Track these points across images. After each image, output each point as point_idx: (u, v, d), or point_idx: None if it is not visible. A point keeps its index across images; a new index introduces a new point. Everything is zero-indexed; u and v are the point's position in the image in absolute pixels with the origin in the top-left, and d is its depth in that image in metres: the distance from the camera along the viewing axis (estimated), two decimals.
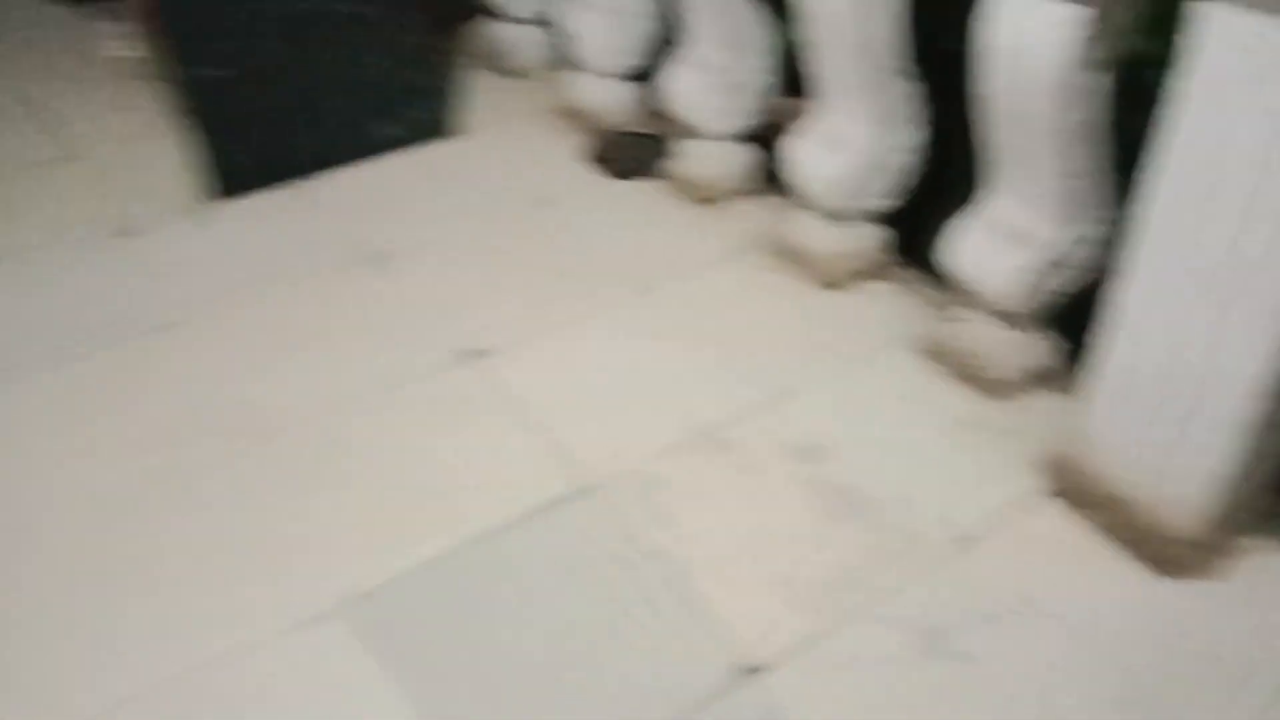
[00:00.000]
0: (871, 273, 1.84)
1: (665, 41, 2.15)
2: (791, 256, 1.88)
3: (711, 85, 1.97)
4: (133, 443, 1.52)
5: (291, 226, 2.02)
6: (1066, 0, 1.27)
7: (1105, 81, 1.34)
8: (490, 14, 2.52)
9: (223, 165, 2.05)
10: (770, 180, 2.03)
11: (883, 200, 1.78)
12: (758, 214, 2.03)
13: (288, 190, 2.12)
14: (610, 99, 2.28)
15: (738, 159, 2.06)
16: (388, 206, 2.08)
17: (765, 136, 1.99)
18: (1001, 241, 1.51)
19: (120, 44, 2.37)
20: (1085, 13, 1.27)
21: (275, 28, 1.98)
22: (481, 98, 2.41)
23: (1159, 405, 1.28)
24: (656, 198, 2.11)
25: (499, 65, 2.54)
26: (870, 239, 1.83)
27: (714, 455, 1.51)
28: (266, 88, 2.02)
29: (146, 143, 2.24)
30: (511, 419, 1.57)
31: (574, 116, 2.33)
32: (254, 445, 1.52)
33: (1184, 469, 1.28)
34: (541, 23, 2.47)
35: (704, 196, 2.07)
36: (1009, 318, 1.56)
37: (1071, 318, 1.51)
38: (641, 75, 2.24)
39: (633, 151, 2.19)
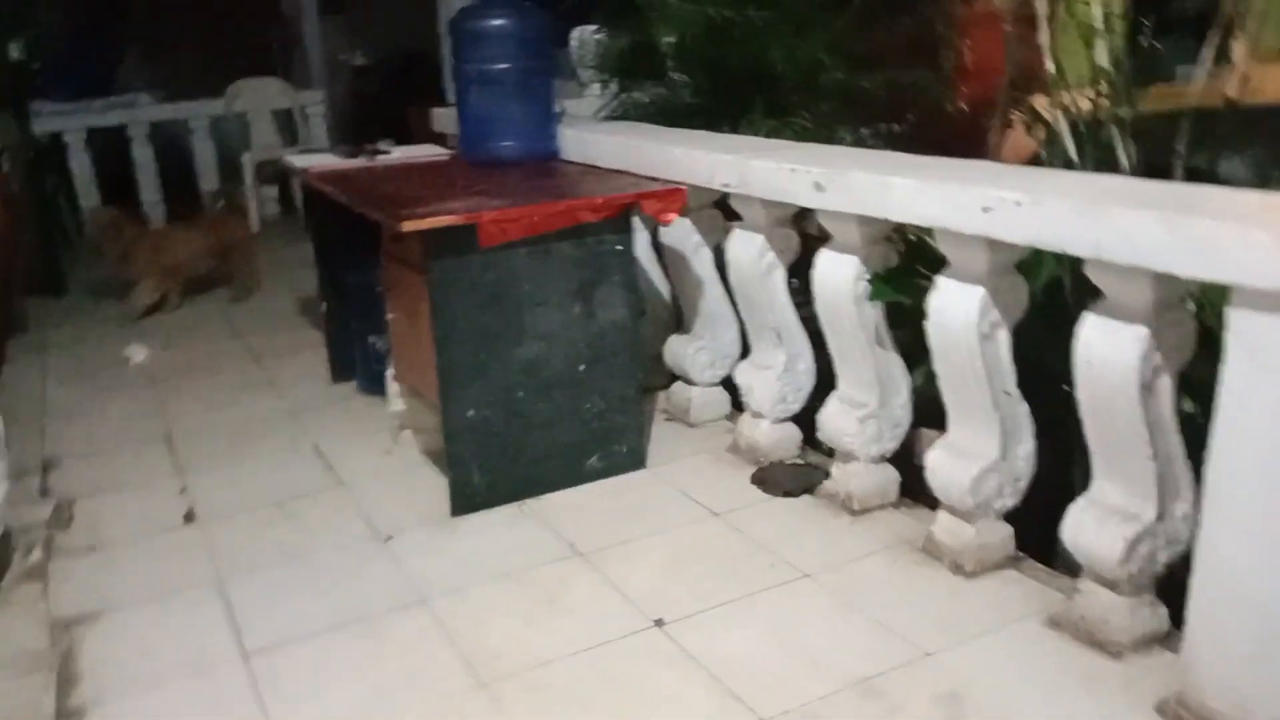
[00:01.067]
0: (1001, 562, 2.14)
1: (820, 385, 2.66)
2: (933, 550, 2.21)
3: (857, 418, 2.42)
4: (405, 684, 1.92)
5: (518, 533, 2.49)
6: (1132, 323, 1.70)
7: (1169, 383, 1.72)
8: (679, 378, 3.12)
9: (468, 487, 2.58)
10: (908, 493, 2.42)
11: (1008, 499, 2.12)
12: (901, 520, 2.40)
13: (515, 506, 2.62)
14: (775, 437, 2.76)
15: (882, 477, 2.46)
16: (591, 519, 2.54)
17: (902, 456, 2.40)
18: (1106, 520, 1.82)
19: (395, 407, 3.06)
20: (1145, 332, 1.68)
21: (522, 378, 2.58)
22: (670, 442, 2.94)
23: (1245, 645, 1.51)
24: (814, 511, 2.50)
25: (685, 418, 3.09)
26: (999, 533, 2.15)
27: (866, 702, 1.77)
28: (511, 425, 2.58)
29: (404, 475, 2.83)
30: (690, 673, 1.89)
31: (745, 453, 2.80)
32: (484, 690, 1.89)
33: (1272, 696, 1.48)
34: (721, 385, 3.05)
35: (855, 508, 2.45)
36: (1118, 586, 1.82)
37: (1177, 584, 1.76)
38: (799, 417, 2.73)
39: (792, 475, 2.63)
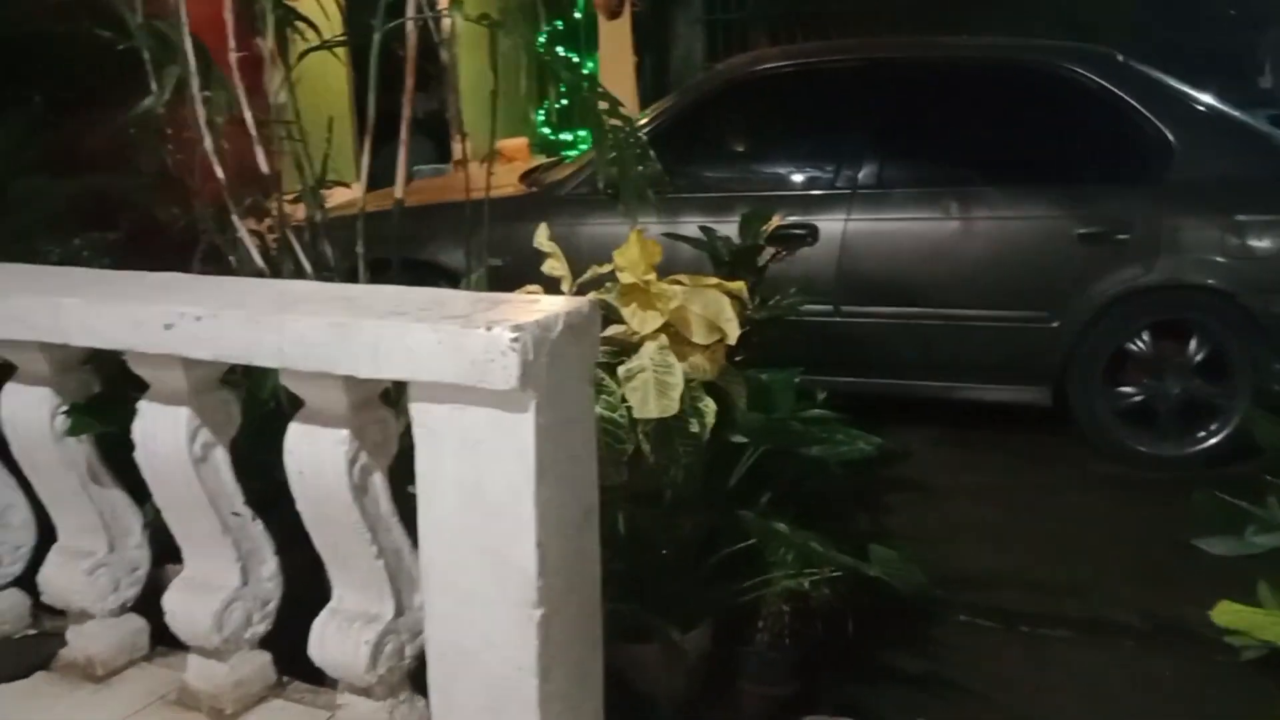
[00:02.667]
0: (263, 693, 1.99)
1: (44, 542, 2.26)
2: (189, 700, 1.98)
3: (84, 570, 2.10)
4: None
5: None
6: (334, 427, 1.68)
7: (381, 480, 1.74)
8: None
9: None
10: (165, 640, 2.15)
11: (259, 626, 1.99)
12: (156, 673, 2.11)
13: None
14: None
15: (127, 629, 2.16)
16: None
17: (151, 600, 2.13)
18: (348, 627, 1.78)
19: None
20: (347, 434, 1.68)
21: None
22: None
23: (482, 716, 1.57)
24: (51, 688, 2.10)
25: None
26: (255, 663, 2.00)
27: None
28: None
29: None
30: None
31: None
32: None
33: None
34: None
35: (99, 673, 2.11)
36: (371, 691, 1.79)
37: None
38: (25, 579, 2.30)
39: (17, 651, 2.19)
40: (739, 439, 2.35)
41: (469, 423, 1.51)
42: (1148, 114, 4.18)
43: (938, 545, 3.44)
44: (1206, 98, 4.46)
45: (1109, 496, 4.01)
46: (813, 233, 4.34)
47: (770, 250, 3.50)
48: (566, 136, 9.91)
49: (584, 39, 9.99)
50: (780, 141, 4.81)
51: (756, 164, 4.84)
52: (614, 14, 9.31)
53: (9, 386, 2.05)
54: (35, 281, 1.97)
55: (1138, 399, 4.26)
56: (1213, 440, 4.12)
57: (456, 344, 1.45)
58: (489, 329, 1.43)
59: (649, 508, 2.24)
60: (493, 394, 1.46)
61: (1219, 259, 4.03)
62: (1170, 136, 4.14)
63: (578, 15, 9.80)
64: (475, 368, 1.44)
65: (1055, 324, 4.24)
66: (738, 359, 2.49)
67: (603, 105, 2.06)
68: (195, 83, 2.18)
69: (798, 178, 4.63)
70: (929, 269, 4.33)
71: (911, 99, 4.58)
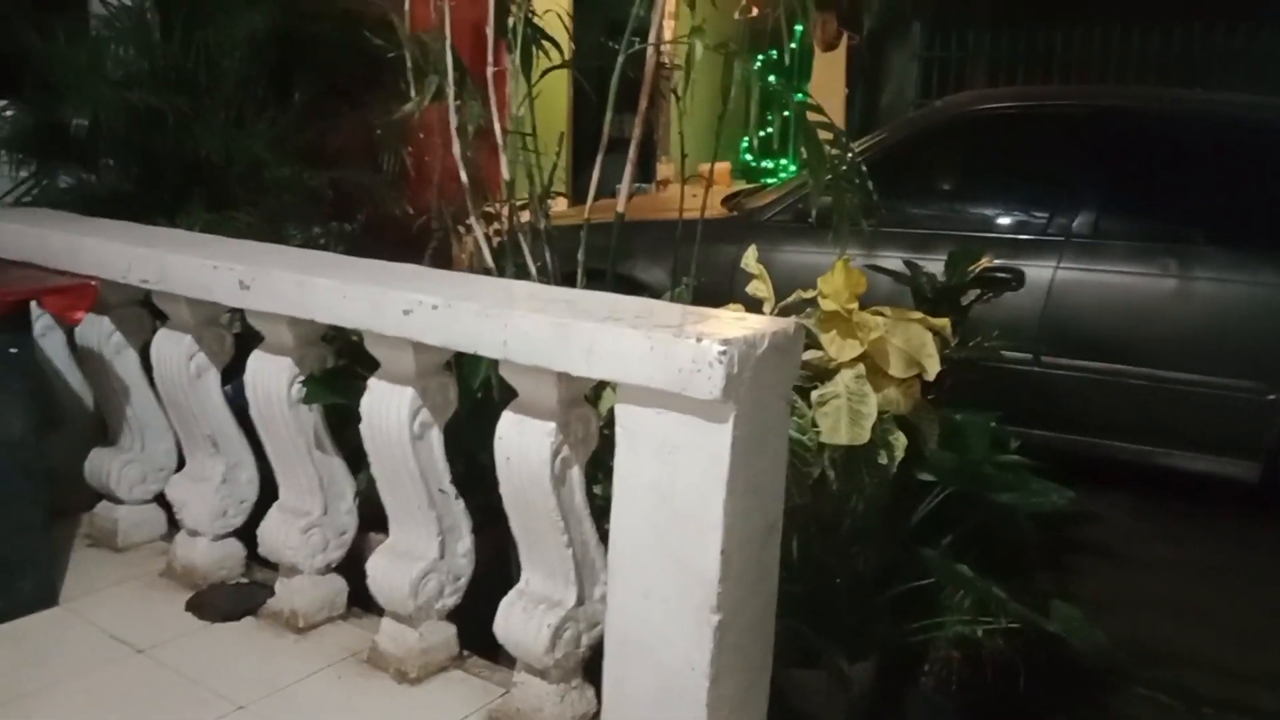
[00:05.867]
0: (445, 664, 2.13)
1: (267, 495, 2.49)
2: (378, 661, 2.13)
3: (299, 529, 2.30)
4: None
5: None
6: (542, 419, 1.79)
7: (579, 474, 1.84)
8: (104, 496, 2.75)
9: None
10: (361, 602, 2.32)
11: (449, 599, 2.13)
12: (350, 632, 2.29)
13: None
14: (215, 556, 2.52)
15: (329, 589, 2.35)
16: None
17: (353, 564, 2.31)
18: (532, 610, 1.88)
19: None
20: (553, 426, 1.78)
21: None
22: (92, 571, 2.56)
23: (649, 709, 1.63)
24: (257, 633, 2.31)
25: (112, 543, 2.72)
26: (443, 634, 2.14)
27: None
28: None
29: None
30: None
31: (181, 577, 2.53)
32: None
33: None
34: (153, 502, 2.73)
35: (300, 625, 2.30)
36: (547, 674, 1.89)
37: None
38: (241, 531, 2.53)
39: (232, 596, 2.42)
40: (927, 477, 2.33)
41: (669, 428, 1.58)
42: None
43: (1123, 615, 3.27)
44: None
45: None
46: (1019, 277, 4.22)
47: (975, 291, 3.43)
48: (768, 164, 9.98)
49: (797, 70, 10.04)
50: (994, 183, 4.69)
51: (966, 203, 4.73)
52: (830, 46, 9.32)
53: (256, 354, 2.27)
54: (290, 262, 2.18)
55: None
56: None
57: (666, 351, 1.53)
58: (699, 340, 1.50)
59: (829, 534, 2.25)
60: (695, 402, 1.52)
61: None
62: None
63: (794, 46, 9.86)
64: (682, 375, 1.51)
65: (1271, 396, 3.96)
66: (934, 397, 2.47)
67: (824, 134, 2.11)
68: (452, 92, 2.36)
69: (1008, 221, 4.51)
70: (1139, 326, 4.12)
71: (1135, 150, 4.38)
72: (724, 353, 1.48)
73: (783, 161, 9.95)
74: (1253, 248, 4.08)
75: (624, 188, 2.50)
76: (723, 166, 8.77)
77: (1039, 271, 4.24)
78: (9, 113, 3.46)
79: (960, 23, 9.73)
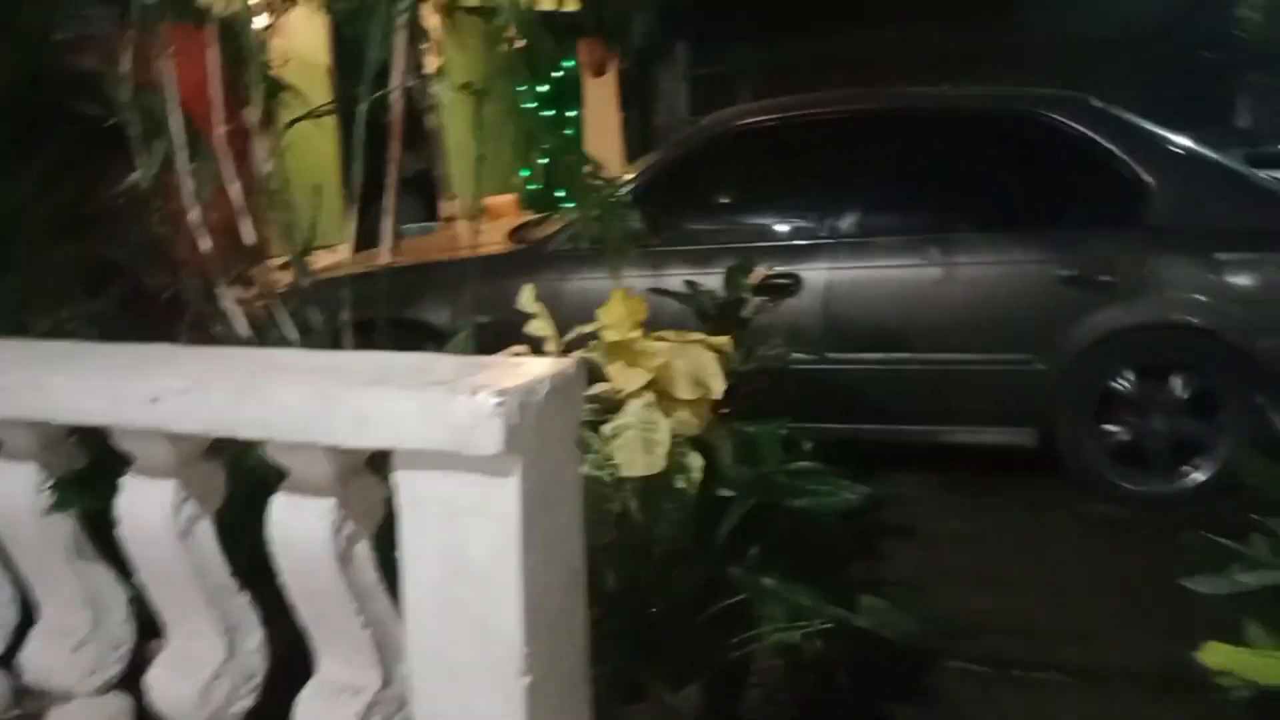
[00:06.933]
0: None
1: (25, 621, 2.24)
2: None
3: (68, 648, 2.07)
4: None
5: None
6: (318, 497, 1.67)
7: (367, 549, 1.73)
8: None
9: None
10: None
11: (244, 700, 1.96)
12: None
13: None
14: None
15: (112, 709, 2.13)
16: None
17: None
18: (334, 699, 1.76)
19: None
20: (332, 503, 1.67)
21: None
22: None
23: None
24: None
25: None
26: None
27: None
28: None
29: None
30: None
31: None
32: None
33: None
34: None
35: None
36: None
37: None
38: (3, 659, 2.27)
39: None
40: (726, 493, 2.35)
41: (453, 489, 1.51)
42: (1125, 157, 4.25)
43: (932, 591, 3.43)
44: (1183, 139, 4.54)
45: (1101, 538, 4.01)
46: (797, 282, 4.37)
47: (756, 301, 3.53)
48: (560, 192, 10.02)
49: (570, 96, 10.13)
50: (764, 193, 4.87)
51: (741, 215, 4.89)
52: (598, 72, 9.45)
53: None
54: (22, 357, 1.97)
55: (1125, 438, 4.27)
56: (1202, 477, 4.14)
57: (440, 410, 1.45)
58: (473, 394, 1.44)
59: (639, 565, 2.23)
60: (477, 460, 1.46)
61: (1201, 298, 4.07)
62: (1148, 178, 4.20)
63: (560, 74, 9.95)
64: (459, 434, 1.44)
65: (1041, 366, 4.27)
66: (726, 412, 2.50)
67: (585, 167, 2.09)
68: (183, 155, 2.20)
69: (782, 228, 4.68)
70: (913, 315, 4.37)
71: (892, 148, 4.65)
72: (500, 404, 1.42)
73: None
74: (1005, 229, 4.40)
75: (386, 234, 2.41)
76: (507, 199, 8.73)
77: (815, 274, 4.42)
78: None
79: (726, 37, 10.11)
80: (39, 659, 2.10)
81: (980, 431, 4.45)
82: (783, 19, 9.69)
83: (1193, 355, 4.13)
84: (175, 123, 2.14)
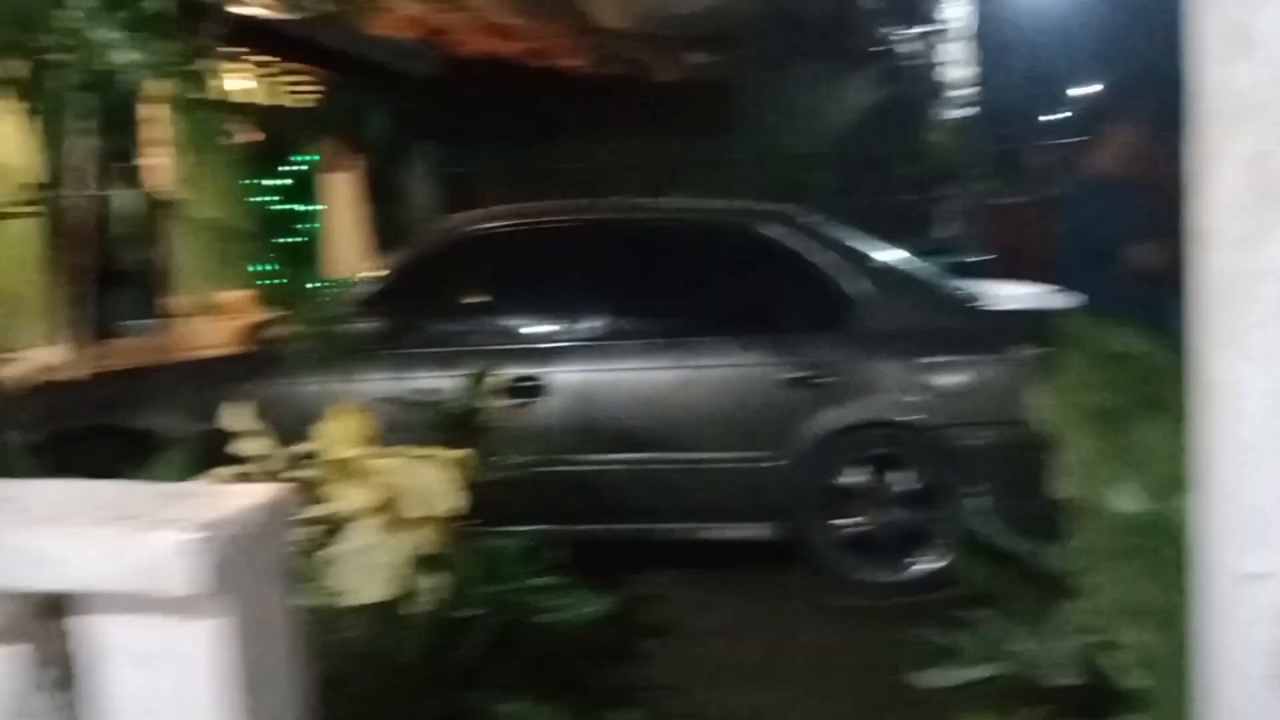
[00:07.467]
0: None
1: None
2: None
3: None
4: None
5: None
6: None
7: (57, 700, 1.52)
8: None
9: None
10: None
11: None
12: None
13: None
14: None
15: None
16: None
17: None
18: None
19: None
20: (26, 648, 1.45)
21: None
22: None
23: None
24: None
25: None
26: None
27: None
28: None
29: None
30: None
31: None
32: None
33: None
34: None
35: None
36: None
37: None
38: None
39: None
40: (471, 612, 2.26)
41: (147, 634, 1.35)
42: (823, 268, 4.60)
43: (685, 689, 3.45)
44: (881, 252, 4.97)
45: (836, 627, 4.18)
46: (541, 386, 4.39)
47: (498, 406, 3.49)
48: (299, 288, 9.60)
49: (310, 190, 9.83)
50: (508, 296, 4.89)
51: (485, 318, 4.88)
52: (339, 167, 9.26)
53: None
54: None
55: (854, 531, 4.52)
56: (928, 566, 4.42)
57: (131, 548, 1.31)
58: (168, 529, 1.30)
59: (375, 698, 2.09)
60: (173, 601, 1.31)
61: (908, 398, 4.41)
62: (847, 288, 4.56)
63: (301, 168, 9.64)
64: (152, 573, 1.30)
65: (776, 463, 4.47)
66: (471, 522, 2.42)
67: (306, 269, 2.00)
68: None
69: (525, 330, 4.70)
70: (657, 416, 4.48)
71: (624, 255, 4.82)
72: (199, 539, 1.29)
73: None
74: (732, 334, 4.64)
75: (85, 337, 2.20)
76: (242, 295, 8.27)
77: (560, 376, 4.45)
78: None
79: (471, 139, 10.22)
80: None
81: (725, 528, 4.59)
82: (523, 125, 9.97)
83: (905, 450, 4.45)
84: None
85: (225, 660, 1.34)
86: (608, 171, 9.43)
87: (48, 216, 2.67)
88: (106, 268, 2.19)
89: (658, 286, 4.78)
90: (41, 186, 2.43)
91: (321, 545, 1.82)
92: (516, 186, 9.19)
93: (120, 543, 1.31)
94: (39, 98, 2.48)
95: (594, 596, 2.33)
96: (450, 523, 2.10)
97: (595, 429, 4.41)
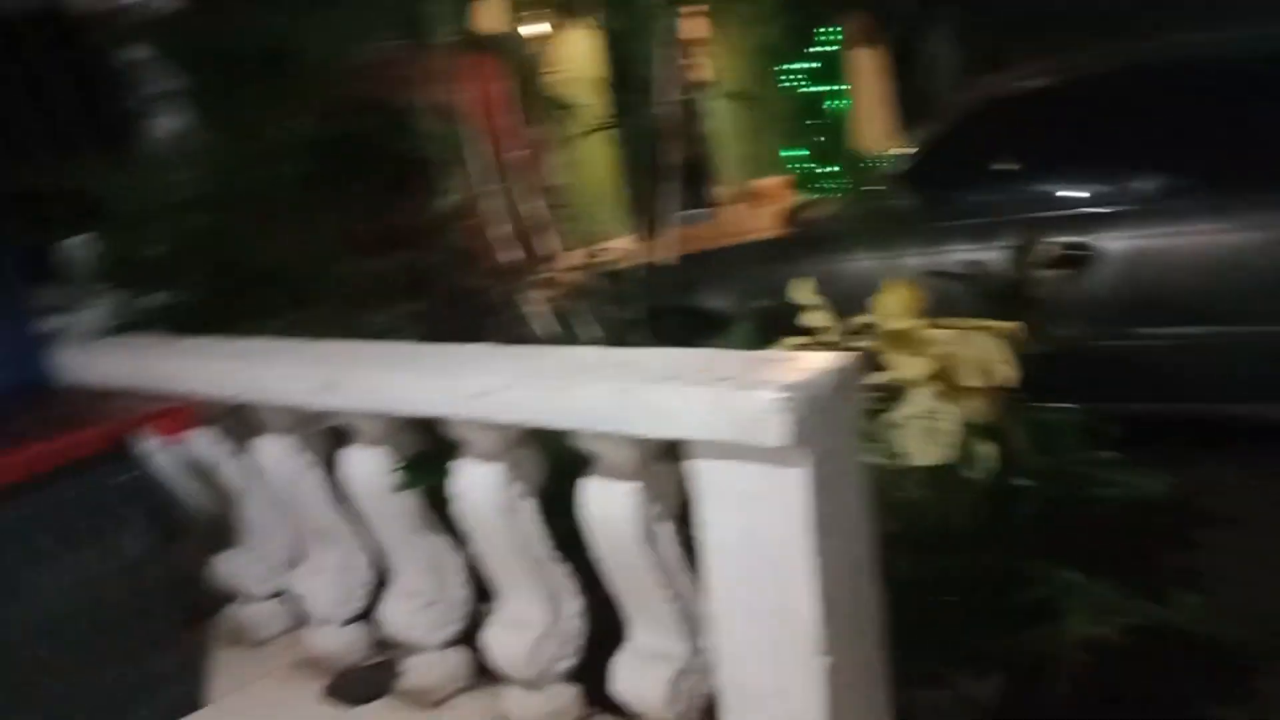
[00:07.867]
0: None
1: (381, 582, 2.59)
2: None
3: (417, 608, 2.38)
4: None
5: None
6: (623, 480, 1.83)
7: (669, 528, 1.87)
8: (230, 597, 2.89)
9: None
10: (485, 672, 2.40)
11: (567, 661, 2.18)
12: (479, 701, 2.37)
13: None
14: (344, 640, 2.63)
15: (455, 661, 2.42)
16: None
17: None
18: (646, 666, 1.92)
19: None
20: (637, 486, 1.82)
21: (27, 641, 2.25)
22: (233, 669, 2.70)
23: None
24: (393, 713, 2.40)
25: (248, 639, 2.86)
26: (564, 696, 2.19)
27: None
28: (20, 695, 2.23)
29: None
30: None
31: (314, 665, 2.64)
32: None
33: None
34: (277, 595, 2.86)
35: (433, 700, 2.38)
36: None
37: None
38: (364, 615, 2.63)
39: (365, 680, 2.51)
40: (1022, 482, 2.30)
41: (744, 478, 1.61)
42: None
43: (1255, 587, 3.16)
44: None
45: None
46: (1090, 255, 4.12)
47: (1047, 277, 3.36)
48: (832, 169, 9.89)
49: (838, 71, 9.96)
50: (1048, 159, 4.59)
51: (1028, 184, 4.63)
52: (866, 44, 9.23)
53: (350, 450, 2.37)
54: (369, 358, 2.28)
55: None
56: None
57: (729, 405, 1.56)
58: (759, 389, 1.53)
59: (933, 554, 2.23)
60: (765, 450, 1.55)
61: None
62: None
63: (828, 49, 9.77)
64: (747, 426, 1.54)
65: None
66: (1023, 393, 2.43)
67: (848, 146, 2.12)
68: (482, 177, 2.44)
69: (1070, 195, 4.41)
70: (1221, 283, 3.99)
71: (1180, 104, 4.24)
72: (786, 399, 1.50)
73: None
74: None
75: (664, 231, 2.55)
76: (778, 181, 8.73)
77: (1112, 244, 4.13)
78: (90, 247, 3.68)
79: None
80: (395, 615, 2.42)
81: None
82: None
83: None
84: (473, 150, 2.38)
85: (807, 504, 1.56)
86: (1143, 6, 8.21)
87: (621, 126, 3.07)
88: (663, 165, 2.52)
89: (1219, 138, 4.16)
90: (615, 103, 2.83)
91: (883, 410, 1.98)
92: (1048, 36, 8.45)
93: (721, 399, 1.57)
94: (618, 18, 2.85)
95: (1150, 477, 2.23)
96: (1002, 394, 2.14)
97: (1151, 299, 4.06)
